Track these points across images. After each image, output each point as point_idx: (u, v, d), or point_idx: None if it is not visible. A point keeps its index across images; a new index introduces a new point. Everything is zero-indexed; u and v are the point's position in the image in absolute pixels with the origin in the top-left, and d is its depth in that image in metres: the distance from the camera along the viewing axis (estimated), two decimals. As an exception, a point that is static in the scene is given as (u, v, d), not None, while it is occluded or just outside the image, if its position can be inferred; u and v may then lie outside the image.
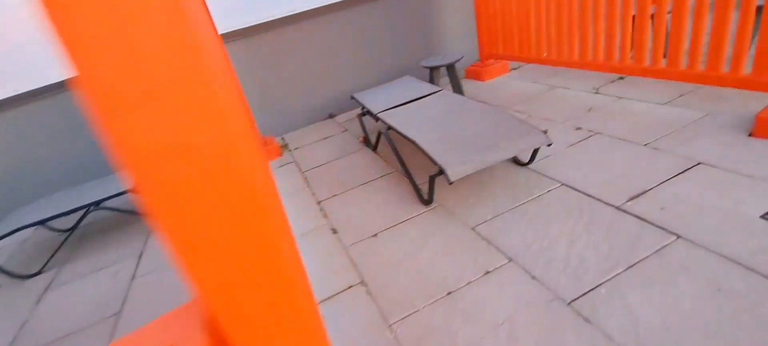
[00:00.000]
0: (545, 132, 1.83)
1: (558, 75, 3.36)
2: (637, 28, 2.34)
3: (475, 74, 3.84)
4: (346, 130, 3.47)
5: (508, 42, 3.43)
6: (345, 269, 1.75)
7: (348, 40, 3.77)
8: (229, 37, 3.34)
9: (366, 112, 2.81)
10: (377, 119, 2.56)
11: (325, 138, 3.43)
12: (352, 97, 3.17)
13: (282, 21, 3.48)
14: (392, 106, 2.60)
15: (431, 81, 3.19)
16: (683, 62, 2.19)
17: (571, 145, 2.21)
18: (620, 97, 2.64)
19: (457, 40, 4.15)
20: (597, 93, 2.81)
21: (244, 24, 3.35)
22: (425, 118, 2.27)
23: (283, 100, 3.74)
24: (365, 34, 3.80)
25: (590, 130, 2.31)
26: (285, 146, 3.48)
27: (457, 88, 3.23)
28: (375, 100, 2.89)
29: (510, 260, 1.54)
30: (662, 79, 2.28)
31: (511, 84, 3.49)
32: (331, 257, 1.85)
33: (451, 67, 3.14)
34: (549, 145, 1.78)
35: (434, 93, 2.65)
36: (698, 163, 1.77)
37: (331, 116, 3.92)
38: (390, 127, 2.33)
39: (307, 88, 3.79)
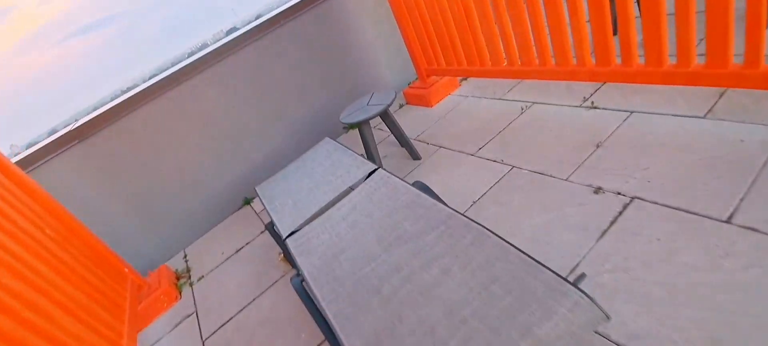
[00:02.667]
0: (581, 280, 0.94)
1: (521, 83, 2.52)
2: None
3: (420, 99, 2.93)
4: (264, 231, 2.47)
5: (449, 54, 2.53)
6: None
7: (243, 97, 2.75)
8: (47, 151, 2.25)
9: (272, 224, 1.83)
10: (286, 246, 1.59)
11: (238, 250, 2.42)
12: (256, 192, 2.18)
13: (133, 101, 2.43)
14: (304, 220, 1.64)
15: (363, 137, 2.25)
16: (732, 56, 1.37)
17: (603, 232, 1.34)
18: (630, 112, 1.80)
19: (388, 60, 3.21)
20: (592, 107, 1.97)
21: (60, 130, 2.25)
22: (356, 257, 1.32)
23: (172, 203, 2.68)
24: (265, 82, 2.79)
25: (619, 193, 1.45)
26: (185, 276, 2.44)
27: (400, 139, 2.32)
28: (282, 199, 1.91)
29: None
30: (701, 85, 1.46)
31: (467, 107, 2.61)
32: None
33: (385, 116, 2.20)
34: (608, 318, 0.89)
35: (366, 179, 1.71)
36: None
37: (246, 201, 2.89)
38: (303, 280, 1.37)
39: (201, 175, 2.74)
